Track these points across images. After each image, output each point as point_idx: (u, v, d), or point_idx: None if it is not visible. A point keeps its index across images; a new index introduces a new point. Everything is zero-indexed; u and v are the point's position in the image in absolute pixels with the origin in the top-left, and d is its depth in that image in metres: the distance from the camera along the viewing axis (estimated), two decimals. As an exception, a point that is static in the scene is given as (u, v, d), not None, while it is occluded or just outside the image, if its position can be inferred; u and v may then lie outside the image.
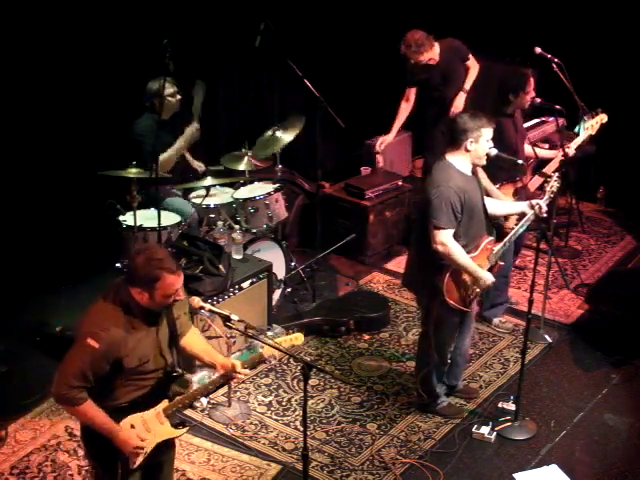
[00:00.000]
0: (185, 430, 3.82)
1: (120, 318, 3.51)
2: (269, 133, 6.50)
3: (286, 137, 6.43)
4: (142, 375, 3.61)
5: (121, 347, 3.49)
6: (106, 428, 3.55)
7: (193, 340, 3.89)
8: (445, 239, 4.68)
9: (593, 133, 6.09)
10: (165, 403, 3.70)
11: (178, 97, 6.11)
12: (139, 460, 3.64)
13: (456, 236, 4.73)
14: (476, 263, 4.83)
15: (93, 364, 3.46)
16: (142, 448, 3.62)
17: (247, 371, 3.82)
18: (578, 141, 6.02)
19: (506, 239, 5.03)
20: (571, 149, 5.89)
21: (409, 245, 5.57)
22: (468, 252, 4.78)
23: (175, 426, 3.75)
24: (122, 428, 3.57)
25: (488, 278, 4.87)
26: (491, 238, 4.97)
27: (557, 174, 5.26)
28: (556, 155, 5.98)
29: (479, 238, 4.88)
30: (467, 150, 4.75)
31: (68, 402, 3.53)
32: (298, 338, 3.89)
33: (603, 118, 6.10)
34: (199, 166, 6.43)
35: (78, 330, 3.55)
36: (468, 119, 4.74)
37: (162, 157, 5.88)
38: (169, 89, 5.98)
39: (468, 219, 4.77)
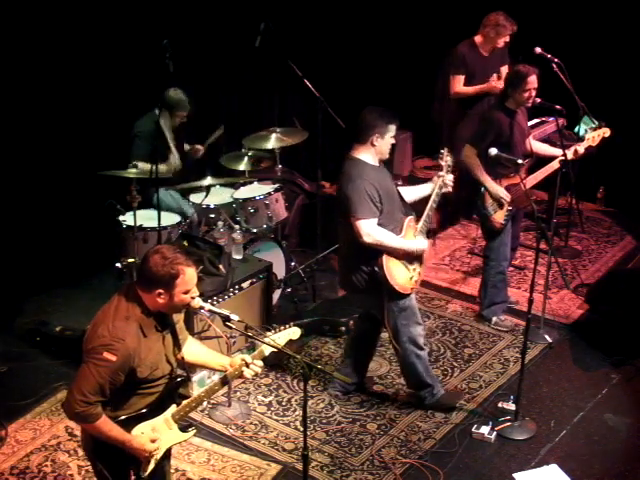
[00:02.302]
0: (193, 432, 3.81)
1: (133, 327, 3.45)
2: (264, 133, 6.51)
3: (280, 142, 6.43)
4: (151, 383, 3.57)
5: (135, 357, 3.44)
6: (120, 440, 3.50)
7: (195, 350, 3.85)
8: (369, 229, 4.77)
9: (593, 145, 6.12)
10: (173, 408, 3.68)
11: (183, 119, 6.22)
12: (150, 467, 3.63)
13: (384, 224, 4.82)
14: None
15: (111, 377, 3.40)
16: (156, 452, 3.60)
17: (260, 362, 3.73)
18: (579, 150, 6.02)
19: (425, 212, 5.03)
20: (568, 156, 5.90)
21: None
22: (396, 235, 4.89)
23: (183, 429, 3.74)
24: (135, 436, 3.54)
25: (420, 245, 4.97)
26: (411, 216, 5.04)
27: (446, 149, 5.14)
28: (556, 156, 5.98)
29: (401, 220, 4.97)
30: (372, 145, 4.83)
31: (85, 420, 3.44)
32: (295, 332, 3.85)
33: (606, 132, 6.13)
34: (198, 149, 6.46)
35: (89, 343, 3.43)
36: (377, 115, 4.82)
37: (162, 168, 5.84)
38: (181, 111, 6.13)
39: (388, 206, 4.87)
